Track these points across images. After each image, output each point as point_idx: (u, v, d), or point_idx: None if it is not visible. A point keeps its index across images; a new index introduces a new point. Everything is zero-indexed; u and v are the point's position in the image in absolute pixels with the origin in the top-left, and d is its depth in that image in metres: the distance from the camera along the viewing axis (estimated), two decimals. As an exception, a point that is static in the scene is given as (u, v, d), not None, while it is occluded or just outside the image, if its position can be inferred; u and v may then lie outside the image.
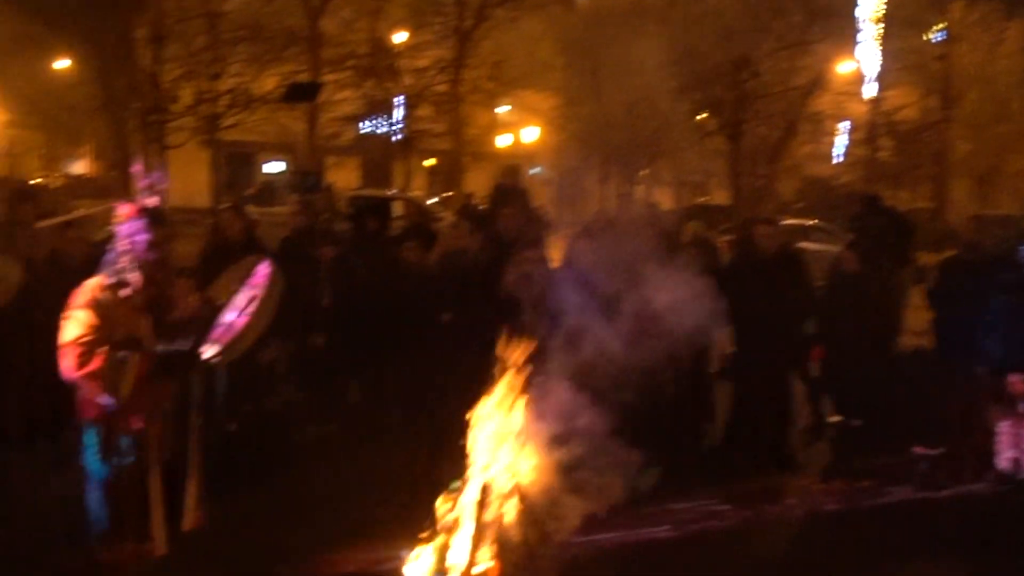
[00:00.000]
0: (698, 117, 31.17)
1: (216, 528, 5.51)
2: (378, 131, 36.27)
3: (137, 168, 5.34)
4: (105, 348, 4.85)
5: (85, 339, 4.83)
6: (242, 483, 6.87)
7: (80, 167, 53.63)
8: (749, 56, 27.10)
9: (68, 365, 4.86)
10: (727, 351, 8.65)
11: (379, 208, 14.53)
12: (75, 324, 4.87)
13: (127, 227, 5.02)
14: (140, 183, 5.20)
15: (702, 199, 36.39)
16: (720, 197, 34.14)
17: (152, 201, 5.13)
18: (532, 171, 36.11)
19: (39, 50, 33.61)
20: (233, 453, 7.15)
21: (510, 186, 12.91)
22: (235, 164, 40.41)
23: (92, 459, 5.09)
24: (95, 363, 4.81)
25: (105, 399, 4.91)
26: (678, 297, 5.28)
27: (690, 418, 8.22)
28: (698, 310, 5.35)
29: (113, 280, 4.99)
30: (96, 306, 4.91)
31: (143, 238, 4.99)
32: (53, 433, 7.14)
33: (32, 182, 30.55)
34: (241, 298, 5.13)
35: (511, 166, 13.55)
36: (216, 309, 5.15)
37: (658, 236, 8.46)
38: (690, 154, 35.22)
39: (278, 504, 6.77)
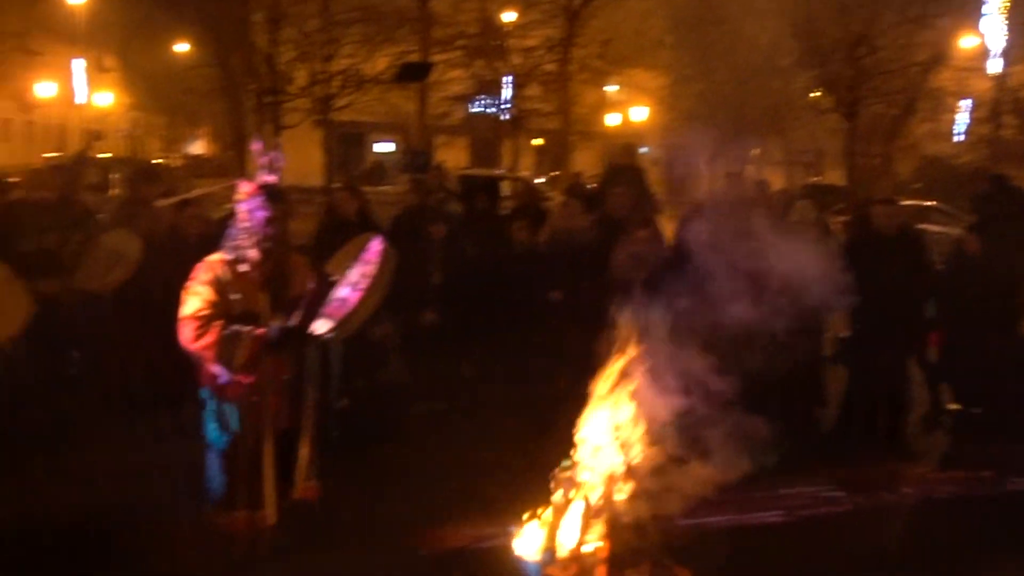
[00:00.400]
0: (812, 95, 30.47)
1: (327, 500, 5.65)
2: (487, 111, 36.43)
3: (256, 146, 5.46)
4: (221, 322, 5.01)
5: (203, 313, 5.01)
6: (354, 457, 7.02)
7: (198, 148, 55.28)
8: (867, 31, 26.27)
9: (186, 337, 5.04)
10: (841, 335, 8.45)
11: (488, 187, 14.68)
12: (194, 298, 5.05)
13: (247, 204, 5.16)
14: (259, 161, 5.34)
15: (814, 179, 35.56)
16: (833, 177, 33.32)
17: (271, 179, 5.25)
18: (641, 150, 35.81)
19: (160, 35, 34.70)
20: (345, 427, 7.29)
21: (625, 164, 12.82)
22: (347, 144, 41.14)
23: (211, 428, 5.26)
24: (210, 336, 4.98)
25: (219, 371, 5.08)
26: (795, 274, 5.17)
27: (802, 402, 8.08)
28: (816, 288, 5.23)
29: (232, 256, 5.14)
30: (215, 281, 5.08)
31: (262, 215, 5.12)
32: (176, 403, 7.38)
33: (153, 162, 31.52)
34: (354, 274, 5.21)
35: (626, 144, 13.44)
36: (330, 285, 5.24)
37: (766, 216, 8.35)
38: (803, 133, 34.48)
39: (388, 478, 6.90)
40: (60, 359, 7.59)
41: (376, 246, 5.34)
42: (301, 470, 5.43)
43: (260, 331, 5.08)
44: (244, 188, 5.21)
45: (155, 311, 6.47)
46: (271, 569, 5.45)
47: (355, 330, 5.31)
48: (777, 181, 32.06)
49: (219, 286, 5.09)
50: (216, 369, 5.11)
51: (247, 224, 5.16)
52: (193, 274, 5.13)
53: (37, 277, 7.01)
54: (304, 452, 5.42)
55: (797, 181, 34.39)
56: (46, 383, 7.55)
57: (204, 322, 5.00)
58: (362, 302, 5.13)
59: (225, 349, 5.00)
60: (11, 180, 9.76)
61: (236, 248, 5.17)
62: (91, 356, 7.87)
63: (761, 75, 28.85)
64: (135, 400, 7.94)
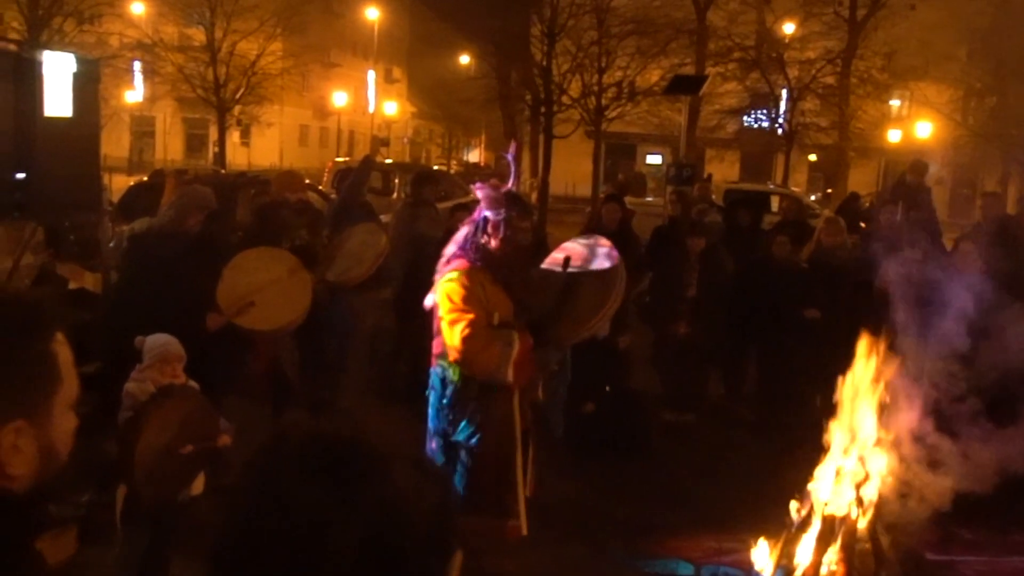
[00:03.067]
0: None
1: (565, 501, 5.77)
2: (760, 124, 35.73)
3: (509, 154, 5.62)
4: (499, 330, 5.00)
5: (481, 321, 4.94)
6: (598, 460, 7.16)
7: (474, 155, 57.53)
8: None
9: (470, 346, 4.91)
10: None
11: (753, 201, 14.44)
12: (471, 306, 4.95)
13: (490, 211, 5.23)
14: (507, 168, 5.51)
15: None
16: None
17: (508, 185, 5.38)
18: (929, 169, 33.98)
19: (443, 48, 36.43)
20: (589, 433, 7.44)
21: (912, 183, 12.27)
22: (616, 155, 41.59)
23: (464, 428, 5.33)
24: (494, 345, 4.95)
25: (494, 376, 5.03)
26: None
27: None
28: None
29: (481, 263, 5.10)
30: (481, 289, 5.04)
31: (504, 219, 5.13)
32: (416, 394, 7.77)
33: (433, 168, 33.16)
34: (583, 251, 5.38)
35: (917, 161, 12.81)
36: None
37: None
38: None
39: (629, 484, 6.98)
40: (318, 348, 8.10)
41: (606, 242, 5.46)
42: (530, 469, 5.46)
43: (527, 336, 5.08)
44: (487, 193, 5.27)
45: (419, 308, 6.80)
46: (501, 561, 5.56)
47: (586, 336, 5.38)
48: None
49: (483, 293, 5.07)
50: (491, 375, 5.04)
51: (492, 231, 5.12)
52: (459, 280, 5.03)
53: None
54: (531, 451, 5.44)
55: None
56: (306, 372, 8.09)
57: (482, 330, 4.95)
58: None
59: (504, 357, 4.98)
60: (264, 180, 10.56)
61: (483, 254, 5.12)
62: (343, 346, 8.38)
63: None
64: (396, 390, 8.42)
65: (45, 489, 1.60)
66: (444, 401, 5.12)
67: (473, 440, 5.11)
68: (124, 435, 4.47)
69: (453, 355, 4.94)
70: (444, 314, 4.94)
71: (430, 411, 5.28)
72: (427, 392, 5.29)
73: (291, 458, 1.26)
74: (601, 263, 5.38)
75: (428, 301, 5.30)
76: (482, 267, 5.03)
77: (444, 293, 4.98)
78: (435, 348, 5.22)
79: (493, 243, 5.08)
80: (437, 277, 5.19)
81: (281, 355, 7.98)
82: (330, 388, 8.03)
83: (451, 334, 4.88)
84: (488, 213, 5.11)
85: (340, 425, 1.32)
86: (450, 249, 5.33)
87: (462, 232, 5.33)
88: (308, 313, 6.79)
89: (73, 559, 4.83)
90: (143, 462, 4.44)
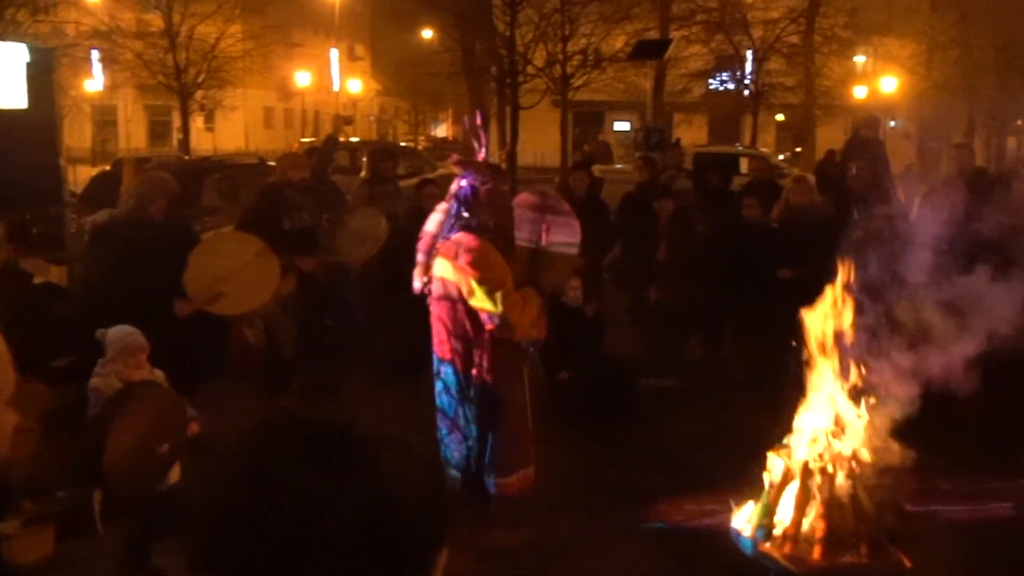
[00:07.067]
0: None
1: (556, 469, 5.78)
2: (727, 86, 35.73)
3: (472, 122, 5.60)
4: (532, 292, 5.14)
5: (511, 284, 5.04)
6: (579, 428, 7.17)
7: (442, 130, 57.26)
8: None
9: (512, 311, 4.99)
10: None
11: (724, 164, 14.45)
12: (498, 273, 5.03)
13: (479, 181, 5.23)
14: (479, 133, 5.48)
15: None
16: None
17: (481, 155, 5.38)
18: (890, 124, 34.13)
19: (406, 23, 36.14)
20: (569, 400, 7.44)
21: (866, 138, 12.34)
22: (584, 123, 41.48)
23: (443, 397, 5.41)
24: (532, 304, 5.08)
25: (535, 331, 5.20)
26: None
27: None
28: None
29: (483, 233, 5.17)
30: (497, 255, 5.12)
31: (476, 187, 5.19)
32: (415, 373, 7.77)
33: (401, 144, 33.01)
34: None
35: (868, 116, 12.90)
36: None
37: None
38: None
39: (611, 450, 7.00)
40: (318, 329, 8.08)
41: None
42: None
43: (543, 296, 5.25)
44: (471, 164, 5.28)
45: (399, 287, 6.77)
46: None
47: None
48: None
49: (501, 261, 5.14)
50: (527, 333, 5.16)
51: (485, 201, 5.19)
52: (474, 255, 5.05)
53: (296, 253, 7.52)
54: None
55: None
56: (306, 352, 8.07)
57: (518, 294, 5.04)
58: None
59: (539, 314, 5.13)
60: (269, 163, 10.48)
61: (485, 226, 5.18)
62: (344, 327, 8.34)
63: (1025, 40, 26.85)
64: (378, 369, 8.39)
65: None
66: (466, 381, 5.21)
67: (504, 403, 5.23)
68: (92, 437, 4.42)
69: (491, 323, 5.03)
70: (477, 286, 4.98)
71: (443, 400, 5.33)
72: (438, 383, 5.36)
73: (281, 444, 1.23)
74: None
75: (420, 283, 5.30)
76: (489, 238, 5.14)
77: (472, 267, 5.01)
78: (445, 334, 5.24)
79: (489, 215, 5.15)
80: (440, 254, 5.19)
81: (280, 337, 7.96)
82: (331, 369, 7.98)
83: (492, 302, 4.97)
84: (475, 184, 5.15)
85: (331, 410, 1.29)
86: (432, 226, 5.33)
87: (443, 206, 5.34)
88: (275, 295, 6.77)
89: (52, 557, 4.79)
90: (115, 463, 4.40)
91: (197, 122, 39.48)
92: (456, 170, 5.36)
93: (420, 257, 5.37)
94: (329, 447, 1.22)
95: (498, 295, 4.93)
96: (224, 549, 1.19)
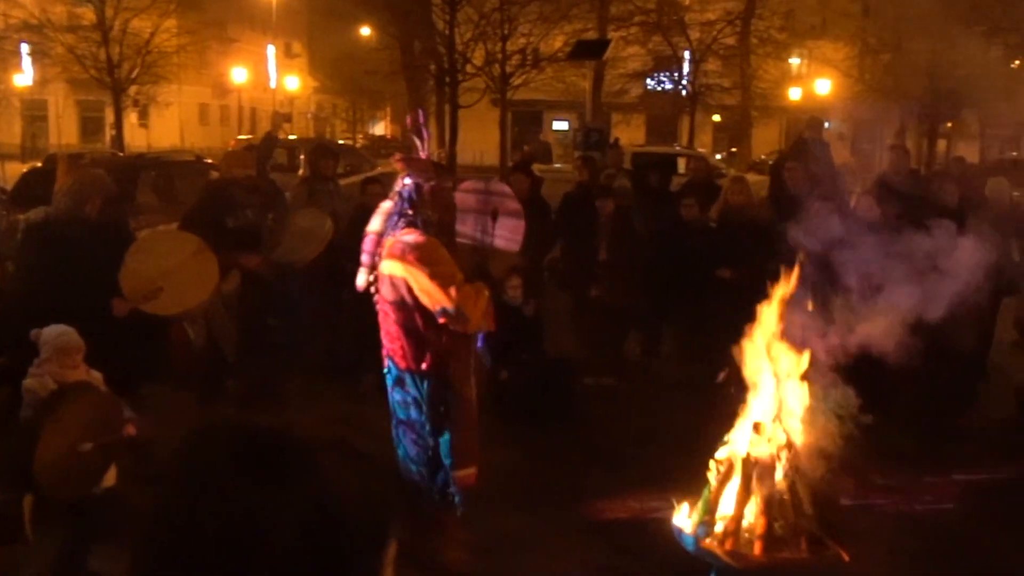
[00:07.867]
0: (1013, 63, 28.77)
1: (496, 470, 5.77)
2: (664, 87, 36.04)
3: (415, 120, 5.58)
4: (480, 284, 5.16)
5: (461, 279, 5.02)
6: (521, 427, 7.17)
7: (380, 128, 56.94)
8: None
9: (464, 304, 4.97)
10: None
11: (662, 164, 14.59)
12: (449, 269, 5.03)
13: (423, 179, 5.21)
14: (421, 132, 5.47)
15: (1012, 154, 33.58)
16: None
17: (423, 153, 5.37)
18: (825, 125, 34.64)
19: (343, 20, 35.87)
20: (508, 399, 7.44)
21: (810, 139, 12.49)
22: (523, 122, 41.56)
23: (447, 394, 5.25)
24: (481, 298, 5.07)
25: (486, 323, 5.18)
26: (964, 260, 4.95)
27: (970, 388, 7.69)
28: (987, 274, 5.00)
29: (427, 230, 5.14)
30: (443, 250, 5.12)
31: (436, 186, 5.20)
32: (358, 372, 7.74)
33: (339, 142, 32.73)
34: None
35: (812, 117, 13.05)
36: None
37: (958, 193, 8.01)
38: (1002, 104, 32.56)
39: (553, 449, 7.02)
40: (260, 328, 7.99)
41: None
42: None
43: (491, 290, 5.27)
44: (415, 163, 5.26)
45: (342, 286, 6.72)
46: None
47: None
48: (971, 155, 30.59)
49: (448, 256, 5.14)
50: (479, 325, 5.16)
51: (429, 198, 5.17)
52: (422, 251, 5.04)
53: (239, 251, 7.43)
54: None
55: (993, 156, 32.62)
56: (248, 351, 7.97)
57: (467, 286, 5.03)
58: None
59: (488, 306, 5.13)
60: (206, 161, 10.33)
61: (430, 223, 5.16)
62: (288, 326, 8.26)
63: (955, 43, 27.42)
64: (320, 368, 8.34)
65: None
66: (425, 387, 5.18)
67: (459, 397, 5.21)
68: (23, 440, 4.33)
69: (444, 317, 5.00)
70: (427, 281, 4.97)
71: (396, 399, 5.27)
72: (389, 382, 5.29)
73: (218, 453, 1.22)
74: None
75: (364, 280, 5.25)
76: (434, 234, 5.13)
77: (420, 262, 5.00)
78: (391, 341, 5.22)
79: (433, 211, 5.16)
80: (388, 254, 5.15)
81: (221, 336, 7.85)
82: (274, 368, 7.89)
83: (442, 296, 4.95)
84: (419, 182, 5.15)
85: (269, 415, 1.28)
86: (376, 224, 5.29)
87: (387, 205, 5.31)
88: (215, 294, 6.68)
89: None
90: (45, 466, 4.31)
91: (131, 118, 38.82)
92: (400, 168, 5.33)
93: (364, 257, 5.32)
94: (267, 456, 1.20)
95: (451, 288, 4.95)
96: (164, 563, 1.17)
